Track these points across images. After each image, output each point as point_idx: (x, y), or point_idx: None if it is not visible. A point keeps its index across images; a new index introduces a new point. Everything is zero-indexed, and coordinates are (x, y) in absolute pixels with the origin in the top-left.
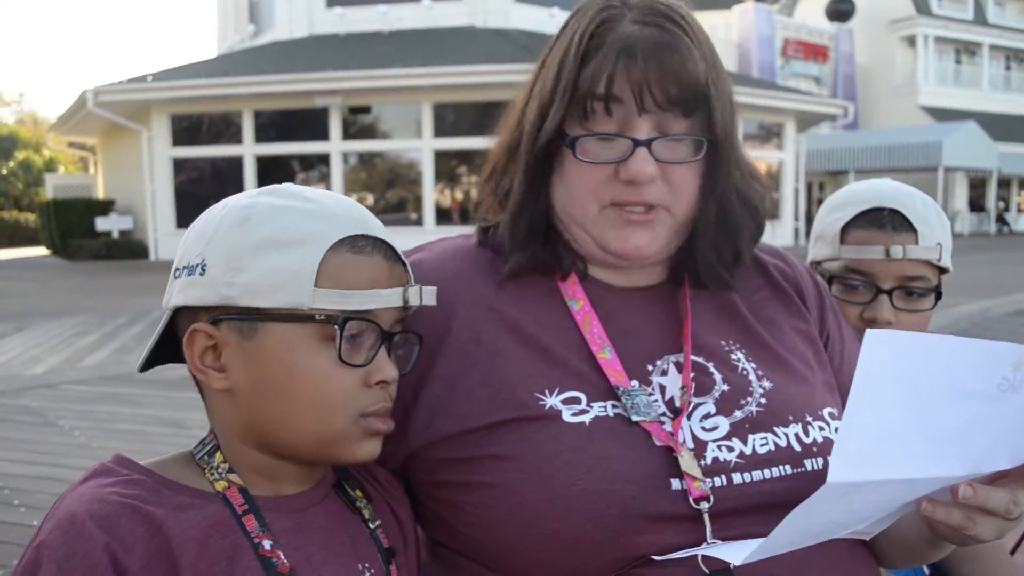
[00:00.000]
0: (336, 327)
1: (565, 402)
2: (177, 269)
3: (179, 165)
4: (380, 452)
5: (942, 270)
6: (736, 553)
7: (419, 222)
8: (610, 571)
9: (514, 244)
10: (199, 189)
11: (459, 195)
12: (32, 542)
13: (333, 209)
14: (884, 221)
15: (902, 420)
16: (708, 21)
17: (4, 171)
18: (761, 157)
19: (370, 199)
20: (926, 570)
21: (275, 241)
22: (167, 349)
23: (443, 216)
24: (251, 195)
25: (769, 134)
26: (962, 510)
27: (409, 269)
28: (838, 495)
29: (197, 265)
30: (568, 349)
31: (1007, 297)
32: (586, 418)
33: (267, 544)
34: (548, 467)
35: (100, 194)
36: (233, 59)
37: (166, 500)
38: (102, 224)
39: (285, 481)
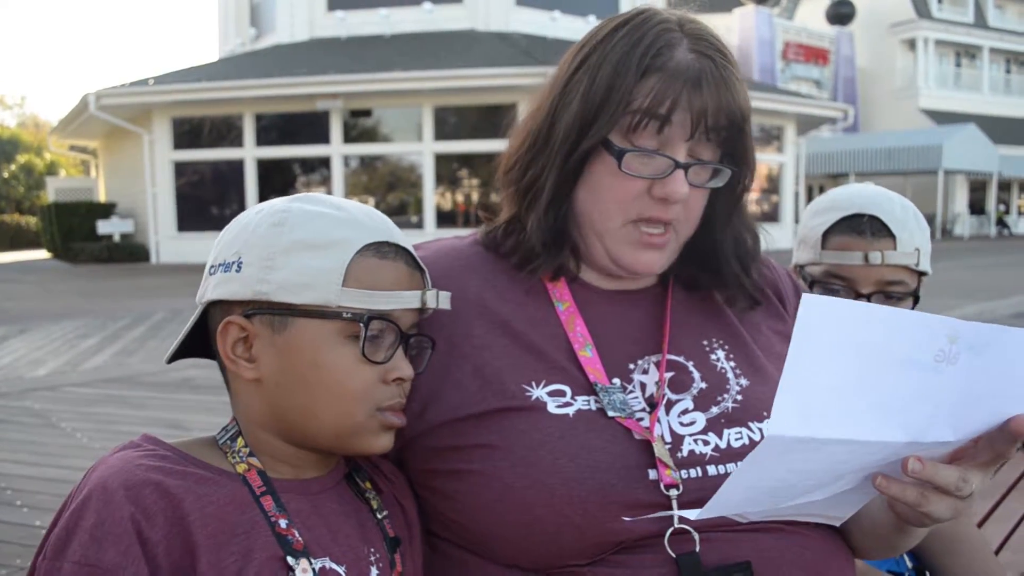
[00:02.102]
0: (361, 324)
1: (551, 394)
2: (212, 267)
3: (180, 168)
4: None
5: (921, 274)
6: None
7: (420, 225)
8: (590, 556)
9: (538, 241)
10: (200, 192)
11: (460, 198)
12: (66, 507)
13: (361, 217)
14: (863, 227)
15: (841, 382)
16: (709, 24)
17: (5, 174)
18: (761, 160)
19: (371, 202)
20: (908, 563)
21: (307, 243)
22: (194, 344)
23: (444, 219)
24: (286, 201)
25: (769, 137)
26: (916, 487)
27: (427, 275)
28: (780, 450)
29: (233, 263)
30: (553, 346)
31: (1006, 300)
32: (570, 410)
33: (283, 523)
34: (533, 455)
35: (101, 197)
36: (234, 62)
37: (189, 475)
38: (103, 227)
39: (302, 467)
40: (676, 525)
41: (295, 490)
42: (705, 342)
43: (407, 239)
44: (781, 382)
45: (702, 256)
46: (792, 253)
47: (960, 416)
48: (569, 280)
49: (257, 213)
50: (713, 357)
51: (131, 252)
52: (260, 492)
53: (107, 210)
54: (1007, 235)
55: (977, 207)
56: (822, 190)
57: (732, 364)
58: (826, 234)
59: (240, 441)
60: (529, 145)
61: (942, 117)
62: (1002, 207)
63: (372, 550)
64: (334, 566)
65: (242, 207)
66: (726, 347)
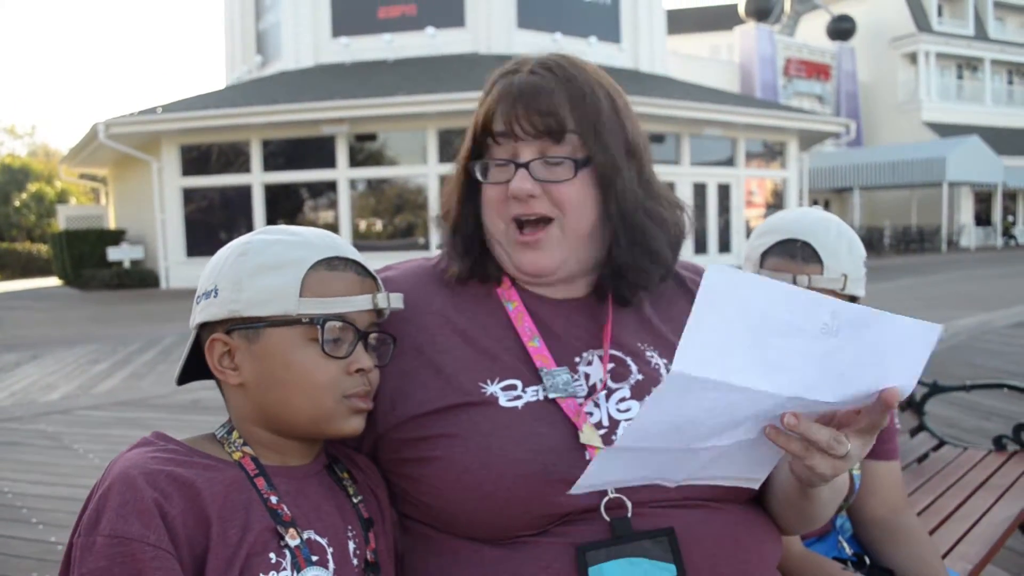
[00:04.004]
0: (318, 326)
1: (503, 389)
2: (197, 297)
3: (189, 195)
4: (355, 437)
5: (853, 298)
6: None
7: (426, 246)
8: (538, 527)
9: (454, 255)
10: (209, 218)
11: None
12: (93, 495)
13: (312, 239)
14: (796, 252)
15: (738, 339)
16: (710, 42)
17: (17, 203)
18: (765, 176)
19: (378, 224)
20: (848, 550)
21: (268, 265)
22: (196, 365)
23: None
24: (248, 235)
25: (773, 153)
26: (799, 440)
27: (379, 281)
28: (682, 387)
29: (212, 290)
30: (503, 345)
31: (1007, 310)
32: (519, 403)
33: (273, 499)
34: (485, 441)
35: (111, 224)
36: (241, 89)
37: (195, 464)
38: (113, 254)
39: (288, 454)
40: (611, 495)
41: (283, 474)
42: (640, 344)
43: (357, 253)
44: (686, 331)
45: (618, 258)
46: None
47: (841, 382)
48: (518, 288)
49: (226, 249)
50: (648, 354)
51: (141, 278)
52: (254, 474)
53: (117, 237)
54: (1014, 245)
55: (983, 218)
56: (827, 205)
57: (664, 361)
58: (764, 254)
59: (235, 434)
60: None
61: (945, 130)
62: (1009, 218)
63: (349, 527)
64: (317, 538)
65: (250, 231)
66: (657, 350)
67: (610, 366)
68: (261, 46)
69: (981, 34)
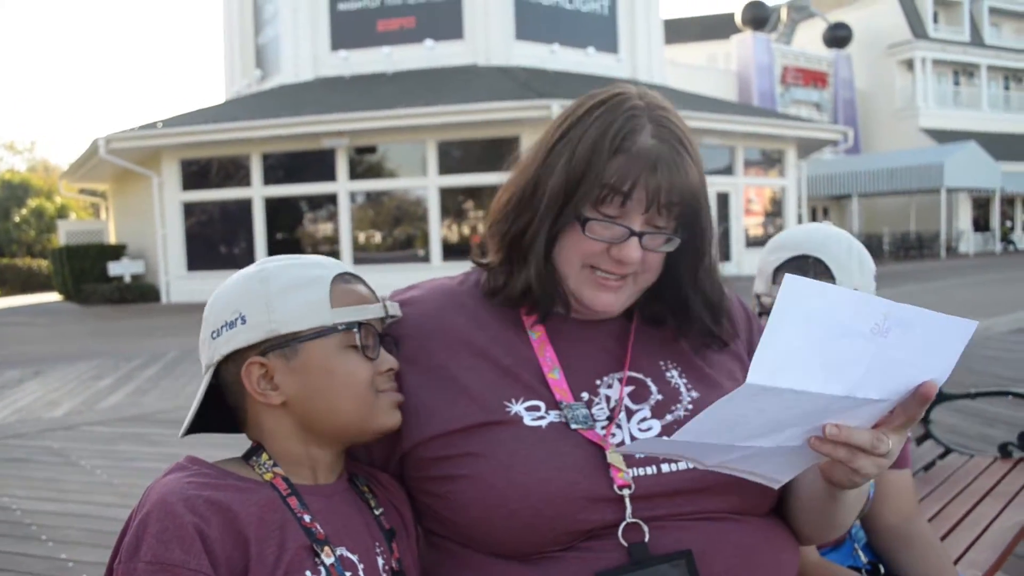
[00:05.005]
0: (355, 332)
1: (528, 409)
2: (214, 331)
3: (189, 209)
4: (380, 455)
5: None
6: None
7: (426, 258)
8: (562, 543)
9: (526, 291)
10: (209, 232)
11: (467, 230)
12: (131, 521)
13: (319, 260)
14: (808, 268)
15: (806, 345)
16: (707, 51)
17: (17, 218)
18: (763, 184)
19: (377, 237)
20: (864, 558)
21: (293, 285)
22: (205, 416)
23: (450, 252)
24: (254, 267)
25: (771, 161)
26: (844, 446)
27: (374, 290)
28: (751, 396)
29: (236, 319)
30: (526, 369)
31: (1007, 316)
32: (543, 423)
33: (307, 518)
34: (511, 460)
35: (112, 239)
36: (241, 103)
37: (229, 487)
38: (114, 269)
39: (319, 472)
40: (628, 520)
41: (314, 493)
42: (661, 363)
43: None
44: (762, 342)
45: (672, 304)
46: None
47: (886, 379)
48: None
49: (234, 281)
50: (668, 375)
51: (142, 293)
52: (286, 494)
53: (118, 252)
54: (1012, 251)
55: (981, 224)
56: (826, 212)
57: (684, 380)
58: (777, 270)
59: (264, 456)
60: (516, 201)
61: (943, 136)
62: (1007, 223)
63: (377, 543)
64: (349, 555)
65: (251, 245)
66: (679, 368)
67: (629, 388)
68: (260, 60)
69: (977, 40)
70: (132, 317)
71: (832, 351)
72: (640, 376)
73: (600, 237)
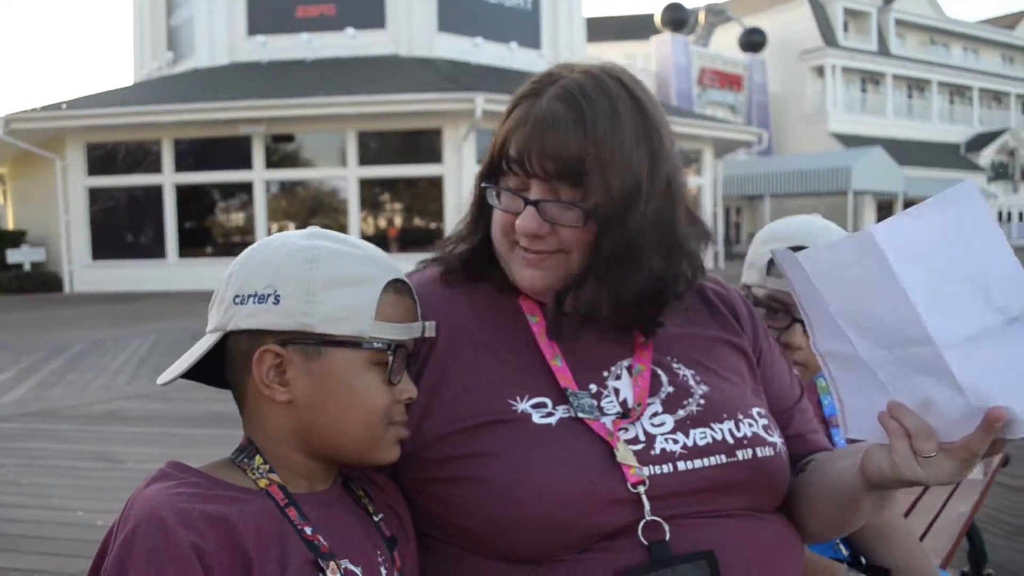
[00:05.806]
0: (389, 353)
1: (534, 406)
2: (239, 296)
3: (95, 195)
4: None
5: None
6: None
7: None
8: (577, 546)
9: (457, 260)
10: (116, 219)
11: (383, 223)
12: (111, 539)
13: (373, 254)
14: None
15: (937, 253)
16: (627, 51)
17: None
18: None
19: (292, 228)
20: (844, 551)
21: (342, 279)
22: (198, 369)
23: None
24: (305, 237)
25: (688, 160)
26: (896, 423)
27: (419, 307)
28: (860, 250)
29: (269, 295)
30: (529, 360)
31: None
32: (552, 420)
33: (308, 529)
34: (523, 461)
35: (10, 225)
36: (152, 86)
37: (223, 497)
38: (13, 256)
39: (315, 479)
40: (647, 518)
41: (311, 501)
42: (668, 356)
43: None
44: (905, 213)
45: (591, 290)
46: (743, 272)
47: (975, 364)
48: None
49: (280, 247)
50: (676, 366)
51: (43, 282)
52: (284, 504)
53: (17, 238)
54: None
55: None
56: (739, 211)
57: (691, 372)
58: (770, 262)
59: (258, 459)
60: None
61: (850, 140)
62: None
63: (378, 552)
64: (352, 567)
65: (160, 234)
66: (683, 360)
67: (641, 373)
68: (173, 42)
69: (883, 50)
70: (33, 307)
71: (955, 288)
72: (651, 367)
73: (506, 207)
